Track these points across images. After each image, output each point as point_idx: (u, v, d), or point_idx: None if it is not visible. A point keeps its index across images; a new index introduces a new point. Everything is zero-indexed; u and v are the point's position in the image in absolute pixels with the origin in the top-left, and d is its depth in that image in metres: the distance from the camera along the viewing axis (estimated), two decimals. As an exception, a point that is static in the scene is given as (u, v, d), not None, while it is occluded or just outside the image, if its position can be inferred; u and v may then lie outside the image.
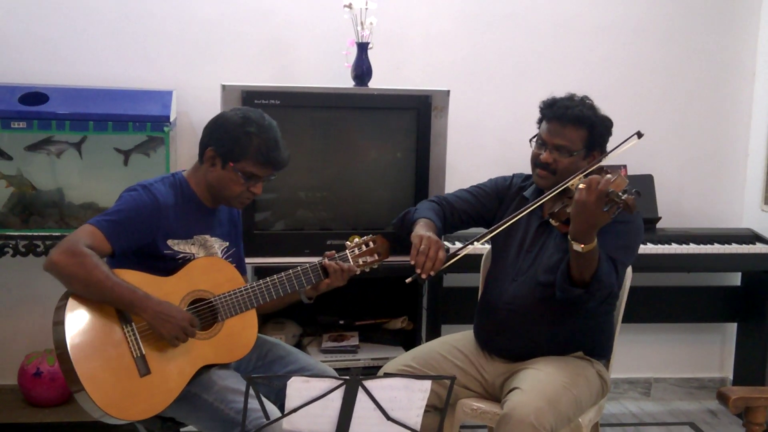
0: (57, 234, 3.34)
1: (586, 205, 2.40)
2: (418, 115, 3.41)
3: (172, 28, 3.71)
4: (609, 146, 2.72)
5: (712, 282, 4.16)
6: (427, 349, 2.96)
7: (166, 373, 2.43)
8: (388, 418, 2.04)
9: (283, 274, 2.65)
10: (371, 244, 2.81)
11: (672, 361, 4.29)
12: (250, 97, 3.24)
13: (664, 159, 4.07)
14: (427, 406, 2.09)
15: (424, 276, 2.64)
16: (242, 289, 2.60)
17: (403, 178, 3.47)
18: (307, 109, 3.41)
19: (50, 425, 3.48)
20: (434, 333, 3.68)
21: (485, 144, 3.94)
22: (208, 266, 2.60)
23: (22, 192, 3.43)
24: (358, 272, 2.77)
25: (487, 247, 3.04)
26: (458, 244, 3.40)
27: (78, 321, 2.36)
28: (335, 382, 2.00)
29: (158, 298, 2.43)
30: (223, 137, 2.56)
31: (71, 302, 2.38)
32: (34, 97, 3.37)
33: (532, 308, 2.74)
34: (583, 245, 2.44)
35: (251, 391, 2.01)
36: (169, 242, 2.55)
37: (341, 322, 3.72)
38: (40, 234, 3.38)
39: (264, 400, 2.17)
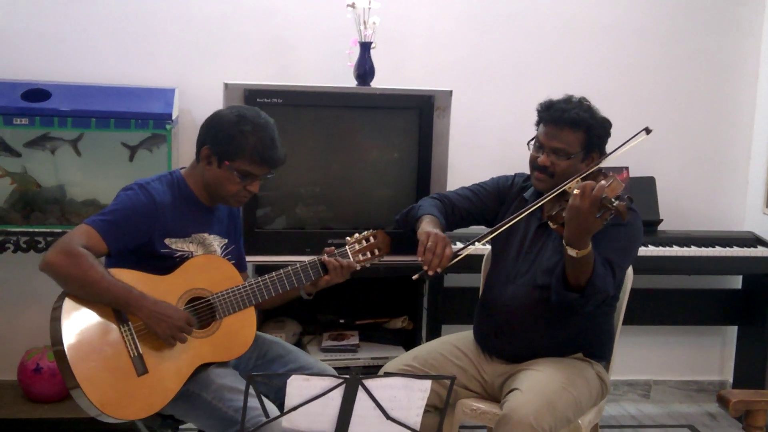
0: (58, 230, 3.34)
1: (580, 210, 2.39)
2: (420, 114, 3.41)
3: (174, 26, 3.71)
4: (617, 143, 2.69)
5: (712, 285, 4.15)
6: (427, 348, 2.96)
7: (164, 373, 2.42)
8: (388, 417, 2.04)
9: (282, 271, 2.64)
10: (371, 240, 2.79)
11: (672, 364, 4.29)
12: (253, 95, 3.24)
13: (666, 161, 4.07)
14: (426, 405, 2.09)
15: (431, 273, 2.63)
16: (240, 286, 2.59)
17: (405, 178, 3.47)
18: (309, 108, 3.41)
19: (50, 421, 3.48)
20: (434, 333, 3.68)
21: (487, 144, 3.94)
22: (205, 264, 2.59)
23: (27, 189, 3.43)
24: (358, 268, 2.76)
25: (489, 247, 3.04)
26: (459, 245, 3.40)
27: (75, 322, 2.36)
28: (335, 381, 2.00)
29: (155, 297, 2.43)
30: (219, 136, 2.55)
31: (68, 302, 2.38)
32: (37, 93, 3.36)
33: (531, 310, 2.74)
34: (577, 250, 2.44)
35: (251, 390, 2.01)
36: (167, 241, 2.54)
37: (341, 321, 3.72)
38: (42, 230, 3.38)
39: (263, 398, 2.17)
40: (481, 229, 3.07)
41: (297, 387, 2.00)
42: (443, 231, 2.79)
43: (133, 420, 2.44)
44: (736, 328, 4.17)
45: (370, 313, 3.76)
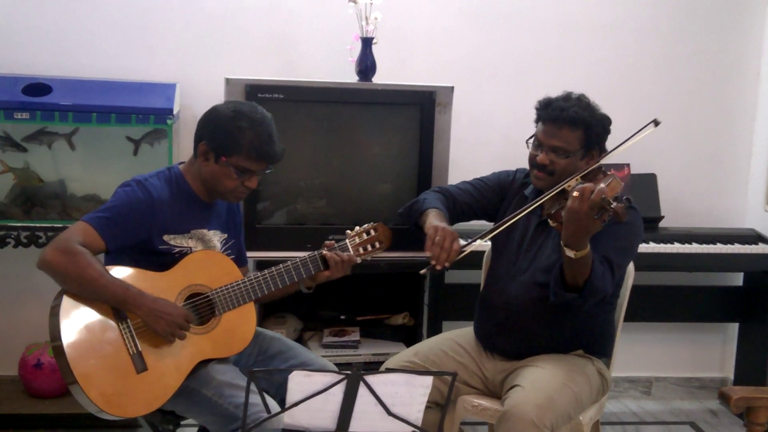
0: (59, 225, 3.34)
1: (578, 213, 2.38)
2: (421, 110, 3.41)
3: (176, 21, 3.71)
4: (618, 141, 2.69)
5: (714, 282, 4.15)
6: (428, 345, 2.95)
7: (163, 369, 2.42)
8: (389, 413, 2.04)
9: (281, 265, 2.63)
10: (372, 233, 2.77)
11: (673, 361, 4.29)
12: (254, 90, 3.24)
13: (668, 158, 4.07)
14: (428, 402, 2.09)
15: (438, 267, 2.60)
16: (239, 282, 2.58)
17: (406, 174, 3.47)
18: (310, 104, 3.41)
19: (51, 416, 3.48)
20: (435, 329, 3.68)
21: (488, 140, 3.93)
22: (204, 260, 2.58)
23: (30, 184, 3.43)
24: (358, 261, 2.74)
25: (489, 243, 3.03)
26: (461, 240, 3.40)
27: (73, 319, 2.35)
28: (337, 377, 2.00)
29: (153, 294, 2.42)
30: (215, 132, 2.53)
31: (66, 300, 2.37)
32: (38, 88, 3.36)
33: (531, 308, 2.73)
34: (575, 251, 2.43)
35: (252, 386, 2.01)
36: (166, 237, 2.53)
37: (342, 317, 3.72)
38: (42, 225, 3.38)
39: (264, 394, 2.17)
40: (481, 223, 3.07)
41: (298, 383, 2.00)
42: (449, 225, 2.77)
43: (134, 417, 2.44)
44: (737, 325, 4.17)
45: (371, 309, 3.76)
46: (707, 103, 4.10)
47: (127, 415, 2.38)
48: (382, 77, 3.57)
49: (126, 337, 2.38)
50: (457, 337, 2.94)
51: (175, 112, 3.43)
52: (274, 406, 2.33)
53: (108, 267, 2.43)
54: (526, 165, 2.89)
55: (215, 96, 3.27)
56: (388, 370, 2.11)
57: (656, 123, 2.62)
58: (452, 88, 3.41)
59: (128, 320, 2.40)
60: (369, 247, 2.76)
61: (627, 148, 2.67)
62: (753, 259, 3.80)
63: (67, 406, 3.46)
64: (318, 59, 3.77)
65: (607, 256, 2.57)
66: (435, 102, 3.39)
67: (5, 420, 3.48)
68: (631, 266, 2.88)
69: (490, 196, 2.97)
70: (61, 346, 2.31)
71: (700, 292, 4.11)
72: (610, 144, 2.75)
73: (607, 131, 2.75)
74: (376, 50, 3.55)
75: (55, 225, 3.37)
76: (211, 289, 2.55)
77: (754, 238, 3.90)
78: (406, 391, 2.04)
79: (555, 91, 2.80)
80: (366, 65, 3.53)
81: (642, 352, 4.21)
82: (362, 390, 2.01)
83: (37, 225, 3.38)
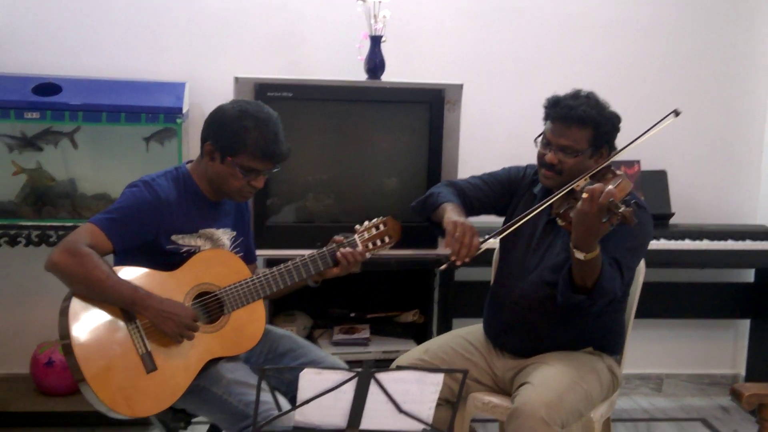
0: (69, 224, 3.35)
1: (588, 215, 2.37)
2: (430, 108, 3.40)
3: (185, 20, 3.71)
4: (626, 137, 2.68)
5: (725, 278, 4.14)
6: (438, 342, 2.95)
7: (173, 369, 2.42)
8: (401, 410, 2.04)
9: (290, 263, 2.62)
10: (381, 227, 2.75)
11: (684, 357, 4.28)
12: (263, 89, 3.24)
13: (678, 154, 4.05)
14: (438, 399, 2.09)
15: (458, 263, 2.58)
16: (248, 280, 2.57)
17: (416, 172, 3.47)
18: (319, 102, 3.41)
19: (62, 414, 3.50)
20: (445, 326, 3.68)
21: (498, 138, 3.93)
22: (212, 258, 2.58)
23: (42, 184, 3.44)
24: (368, 257, 2.72)
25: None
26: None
27: (82, 319, 2.35)
28: (348, 374, 1.99)
29: (161, 294, 2.42)
30: (221, 131, 2.52)
31: (75, 300, 2.37)
32: (48, 88, 3.37)
33: (540, 307, 2.73)
34: (585, 253, 2.42)
35: (263, 384, 2.01)
36: (174, 237, 2.53)
37: (352, 314, 3.72)
38: (53, 224, 3.39)
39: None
40: (489, 219, 3.05)
41: (309, 380, 2.00)
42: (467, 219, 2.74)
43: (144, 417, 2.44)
44: (748, 321, 4.16)
45: (380, 306, 3.77)
46: (717, 99, 4.09)
47: (137, 414, 2.38)
48: (390, 75, 3.57)
49: (135, 338, 2.39)
50: (466, 335, 2.93)
51: (184, 111, 3.44)
52: (284, 404, 2.33)
53: (116, 268, 2.43)
54: (535, 162, 2.89)
55: (224, 94, 3.28)
56: (399, 368, 2.11)
57: (677, 113, 2.60)
58: (461, 85, 3.41)
59: (137, 320, 2.40)
60: (378, 242, 2.74)
61: (634, 144, 2.66)
62: (764, 255, 3.79)
63: (78, 403, 3.45)
64: (327, 57, 3.78)
65: (616, 257, 2.56)
66: (444, 100, 3.39)
67: (17, 417, 3.49)
68: (642, 263, 2.86)
69: (500, 192, 2.95)
70: (70, 345, 2.32)
71: (711, 288, 4.10)
72: (623, 138, 2.73)
73: (617, 129, 2.73)
74: (385, 48, 3.55)
75: (66, 224, 3.38)
76: (219, 287, 2.55)
77: (766, 234, 3.89)
78: (417, 388, 2.04)
79: (563, 89, 2.78)
80: (375, 63, 3.53)
81: (653, 348, 4.20)
82: (373, 387, 2.01)
83: (48, 224, 3.40)
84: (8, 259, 3.65)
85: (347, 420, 2.05)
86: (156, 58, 3.70)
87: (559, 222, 2.58)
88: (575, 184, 2.59)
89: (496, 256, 3.08)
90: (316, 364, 2.63)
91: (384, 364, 3.27)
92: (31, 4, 3.62)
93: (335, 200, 3.47)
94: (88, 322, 2.36)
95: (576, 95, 2.72)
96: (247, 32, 3.75)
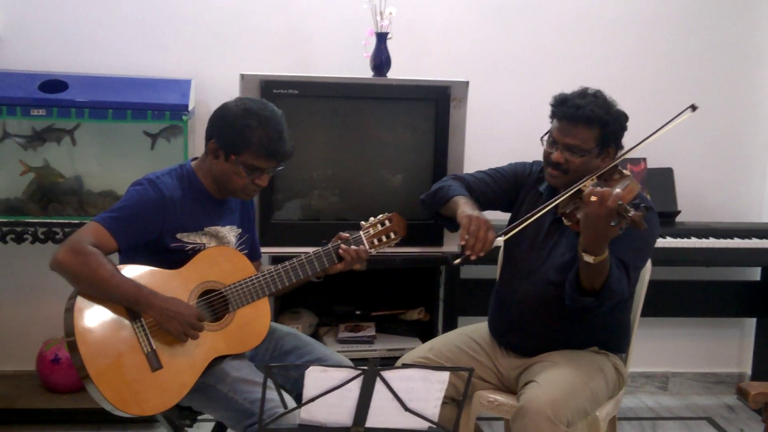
0: (76, 221, 3.36)
1: (597, 219, 2.36)
2: (436, 105, 3.40)
3: (191, 17, 3.71)
4: (633, 135, 2.67)
5: (731, 276, 4.13)
6: (443, 340, 2.95)
7: (178, 367, 2.42)
8: (406, 408, 2.04)
9: (295, 260, 2.62)
10: (387, 223, 2.75)
11: (690, 356, 4.27)
12: (269, 86, 3.24)
13: (684, 152, 4.04)
14: (444, 397, 2.09)
15: (473, 257, 2.55)
16: (253, 277, 2.57)
17: (421, 169, 3.46)
18: (325, 99, 3.40)
19: (68, 411, 3.50)
20: (450, 324, 3.68)
21: (504, 135, 3.92)
22: (217, 256, 2.58)
23: (51, 182, 3.45)
24: (373, 253, 2.72)
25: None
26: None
27: (88, 317, 2.35)
28: (354, 372, 1.99)
29: (166, 293, 2.42)
30: (225, 130, 2.52)
31: (80, 299, 2.37)
32: (54, 84, 3.38)
33: (545, 307, 2.72)
34: (594, 257, 2.41)
35: (268, 381, 2.01)
36: (179, 235, 2.53)
37: (358, 312, 3.72)
38: (59, 221, 3.40)
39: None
40: (493, 214, 3.04)
41: (315, 378, 2.00)
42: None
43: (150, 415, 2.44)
44: (754, 320, 4.16)
45: (386, 304, 3.76)
46: (724, 97, 4.08)
47: (143, 413, 2.37)
48: (396, 72, 3.57)
49: (140, 336, 2.39)
50: (471, 333, 2.93)
51: (190, 108, 3.44)
52: (290, 401, 2.33)
53: (120, 266, 2.43)
54: (541, 159, 2.87)
55: (230, 92, 3.27)
56: (405, 366, 2.11)
57: (694, 108, 2.59)
58: (467, 82, 3.40)
59: (142, 319, 2.40)
60: (384, 238, 2.74)
61: (652, 138, 2.64)
62: (771, 254, 3.78)
63: (84, 401, 3.45)
64: (332, 55, 3.77)
65: (623, 258, 2.55)
66: (450, 97, 3.39)
67: (23, 414, 3.50)
68: (648, 261, 2.86)
69: (506, 188, 2.93)
70: (75, 342, 2.32)
71: (717, 286, 4.09)
72: (629, 136, 2.72)
73: (624, 128, 2.71)
74: (391, 45, 3.54)
75: (72, 221, 3.39)
76: (224, 285, 2.54)
77: (772, 232, 3.88)
78: (422, 386, 2.04)
79: (570, 86, 2.76)
80: (381, 60, 3.53)
81: (659, 347, 4.20)
82: (379, 385, 2.01)
83: (54, 221, 3.40)
84: (15, 256, 3.65)
85: (353, 418, 2.05)
86: (162, 55, 3.70)
87: (565, 222, 2.57)
88: (582, 184, 2.57)
89: (500, 254, 3.08)
90: (321, 361, 2.62)
91: (389, 362, 3.26)
92: (38, 2, 3.62)
93: (340, 197, 3.47)
94: (94, 320, 2.36)
95: (583, 94, 2.70)
96: (253, 29, 3.75)
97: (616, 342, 2.83)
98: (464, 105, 3.41)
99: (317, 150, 3.44)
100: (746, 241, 3.76)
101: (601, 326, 2.76)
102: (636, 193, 2.48)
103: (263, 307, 2.60)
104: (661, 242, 3.61)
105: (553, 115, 2.74)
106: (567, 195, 2.59)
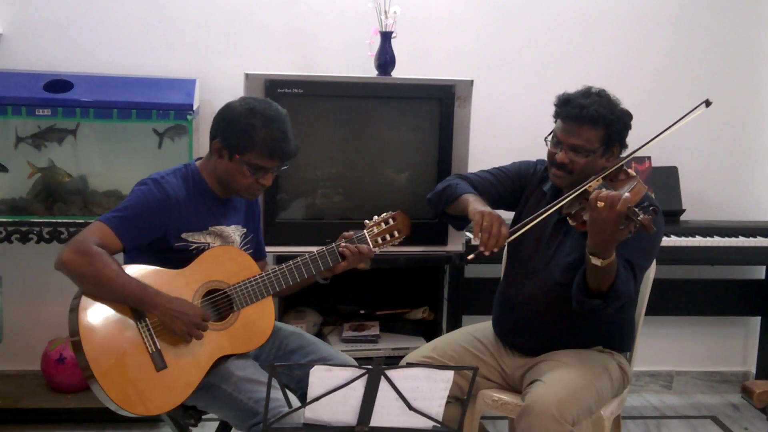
0: (81, 221, 3.36)
1: (606, 224, 2.36)
2: (441, 104, 3.40)
3: (195, 17, 3.72)
4: (637, 133, 2.66)
5: (736, 275, 4.12)
6: (447, 340, 2.95)
7: (183, 367, 2.42)
8: (411, 407, 2.04)
9: (299, 259, 2.62)
10: (391, 222, 2.74)
11: (694, 355, 4.27)
12: (273, 85, 3.24)
13: (689, 150, 4.04)
14: (448, 397, 2.09)
15: (487, 253, 2.54)
16: (257, 277, 2.57)
17: (426, 168, 3.46)
18: (329, 98, 3.41)
19: (73, 411, 3.51)
20: (455, 323, 3.68)
21: (508, 134, 3.92)
22: (221, 255, 2.58)
23: (58, 181, 3.46)
24: (377, 252, 2.72)
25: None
26: (469, 234, 3.39)
27: (92, 317, 2.36)
28: (358, 371, 2.00)
29: (170, 293, 2.42)
30: (229, 129, 2.52)
31: (84, 299, 2.37)
32: (59, 84, 3.38)
33: (550, 307, 2.71)
34: (602, 260, 2.41)
35: (273, 381, 2.01)
36: (184, 235, 2.53)
37: (362, 311, 3.72)
38: (64, 221, 3.40)
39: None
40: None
41: (319, 377, 2.00)
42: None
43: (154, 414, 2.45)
44: (759, 318, 4.14)
45: (390, 303, 3.76)
46: (729, 96, 4.06)
47: (148, 412, 2.38)
48: (401, 71, 3.57)
49: (144, 336, 2.39)
50: (475, 332, 2.93)
51: (195, 107, 3.44)
52: (294, 400, 2.33)
53: (125, 266, 2.43)
54: (545, 157, 2.87)
55: (235, 91, 3.28)
56: (410, 365, 2.11)
57: (708, 103, 2.58)
58: (471, 81, 3.40)
59: (146, 319, 2.40)
60: (388, 237, 2.74)
61: (666, 133, 2.63)
62: (775, 252, 3.77)
63: (89, 400, 3.44)
64: (337, 54, 3.78)
65: (630, 259, 2.55)
66: (454, 95, 3.39)
67: (28, 414, 3.51)
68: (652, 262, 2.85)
69: (510, 187, 2.92)
70: (80, 342, 2.32)
71: (721, 285, 4.08)
72: (633, 134, 2.71)
73: (628, 127, 2.70)
74: (395, 44, 3.54)
75: (77, 221, 3.39)
76: (228, 284, 2.55)
77: (777, 231, 3.87)
78: (427, 385, 2.05)
79: (574, 84, 2.75)
80: (385, 59, 3.53)
81: (663, 346, 4.19)
82: (383, 384, 2.01)
83: (59, 221, 3.40)
84: (20, 255, 3.66)
85: (357, 417, 2.05)
86: (167, 55, 3.70)
87: (571, 222, 2.57)
88: (588, 185, 2.57)
89: (504, 254, 3.07)
90: (325, 361, 2.62)
91: (393, 361, 3.26)
92: (42, 2, 3.63)
93: (345, 196, 3.47)
94: (98, 320, 2.36)
95: (587, 93, 2.68)
96: (258, 29, 3.75)
97: (620, 341, 2.82)
98: (468, 104, 3.41)
99: (321, 149, 3.44)
100: (751, 239, 3.76)
101: (605, 325, 2.75)
102: (642, 194, 2.48)
103: (267, 307, 2.60)
104: (666, 241, 3.61)
105: (557, 116, 2.73)
106: (572, 196, 2.58)
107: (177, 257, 2.52)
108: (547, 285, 2.72)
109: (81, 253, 2.36)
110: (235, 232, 2.66)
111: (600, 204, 2.35)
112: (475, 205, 2.68)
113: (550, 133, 2.75)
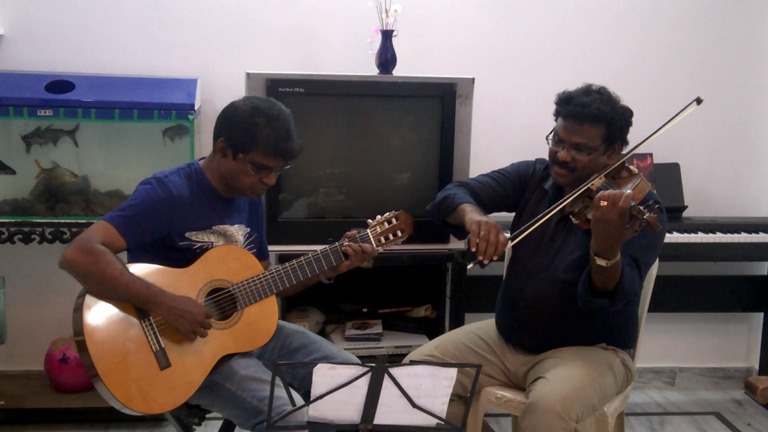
0: (83, 221, 3.37)
1: (609, 222, 2.36)
2: (442, 102, 3.40)
3: (196, 17, 3.72)
4: (639, 130, 2.66)
5: (738, 271, 4.12)
6: (450, 338, 2.95)
7: (187, 365, 2.42)
8: (414, 405, 2.04)
9: (302, 258, 2.62)
10: (394, 221, 2.75)
11: (697, 351, 4.26)
12: (275, 85, 3.24)
13: (691, 147, 4.03)
14: (451, 394, 2.09)
15: (486, 262, 2.55)
16: (260, 276, 2.58)
17: (428, 167, 3.46)
18: (331, 97, 3.41)
19: (76, 410, 3.51)
20: (457, 321, 3.68)
21: (510, 132, 3.92)
22: (225, 254, 2.58)
23: (63, 181, 3.46)
24: (381, 250, 2.72)
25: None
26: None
27: (96, 315, 2.36)
28: (362, 369, 2.00)
29: (174, 291, 2.42)
30: (233, 128, 2.52)
31: (89, 297, 2.38)
32: (61, 85, 3.38)
33: (553, 305, 2.71)
34: (607, 260, 2.41)
35: (277, 379, 2.01)
36: (188, 234, 2.54)
37: (365, 310, 3.73)
38: (67, 221, 3.40)
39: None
40: (499, 214, 3.05)
41: (323, 376, 2.00)
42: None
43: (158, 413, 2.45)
44: (762, 314, 4.14)
45: (393, 301, 3.77)
46: (731, 92, 4.06)
47: (151, 411, 2.38)
48: (402, 70, 3.57)
49: (148, 334, 2.39)
50: (478, 330, 2.93)
51: (196, 107, 3.44)
52: (298, 399, 2.33)
53: (129, 265, 2.44)
54: (546, 156, 2.87)
55: (236, 90, 3.28)
56: (413, 363, 2.11)
57: (699, 101, 2.58)
58: (473, 79, 3.40)
59: (150, 317, 2.41)
60: (391, 236, 2.74)
61: (658, 134, 2.62)
62: (778, 248, 3.77)
63: (92, 400, 3.48)
64: (338, 52, 3.78)
65: (634, 255, 2.55)
66: (456, 94, 3.38)
67: (31, 414, 3.51)
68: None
69: (511, 189, 2.93)
70: (84, 342, 2.32)
71: (724, 281, 4.08)
72: (635, 131, 2.71)
73: (629, 124, 2.70)
74: (396, 43, 3.54)
75: (79, 221, 3.39)
76: (232, 283, 2.55)
77: (779, 227, 3.87)
78: (430, 383, 2.05)
79: (576, 82, 2.75)
80: (386, 58, 3.53)
81: (666, 342, 4.19)
82: (387, 382, 2.02)
83: (62, 221, 3.40)
84: (22, 256, 3.67)
85: (361, 415, 2.05)
86: (168, 55, 3.70)
87: (574, 220, 2.57)
88: (591, 183, 2.57)
89: (507, 253, 3.07)
90: (328, 359, 2.63)
91: (396, 359, 3.25)
92: (44, 2, 3.63)
93: (347, 195, 3.47)
94: (102, 319, 2.37)
95: (588, 91, 2.68)
96: (259, 28, 3.75)
97: (624, 338, 2.82)
98: (470, 102, 3.41)
99: (323, 148, 3.44)
100: (753, 235, 3.75)
101: (609, 322, 2.75)
102: (647, 192, 2.47)
103: (271, 306, 2.60)
104: (668, 237, 3.60)
105: (558, 114, 2.73)
106: (575, 195, 2.58)
107: (181, 256, 2.53)
108: (550, 283, 2.72)
109: (85, 252, 2.36)
110: (238, 231, 2.67)
111: (603, 203, 2.35)
112: (471, 215, 2.69)
113: (551, 132, 2.75)
